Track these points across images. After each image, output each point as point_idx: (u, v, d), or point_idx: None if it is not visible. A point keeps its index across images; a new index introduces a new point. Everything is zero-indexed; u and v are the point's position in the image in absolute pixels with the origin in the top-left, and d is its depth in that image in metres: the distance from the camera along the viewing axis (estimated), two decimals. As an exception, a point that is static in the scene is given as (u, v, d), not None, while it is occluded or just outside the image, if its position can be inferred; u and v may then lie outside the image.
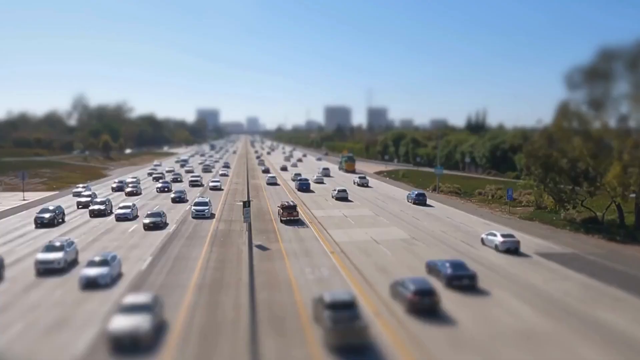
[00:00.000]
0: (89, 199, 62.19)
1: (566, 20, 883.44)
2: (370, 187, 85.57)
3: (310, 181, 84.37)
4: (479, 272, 32.75)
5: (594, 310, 25.65)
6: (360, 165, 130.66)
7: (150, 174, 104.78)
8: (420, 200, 64.92)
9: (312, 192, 78.27)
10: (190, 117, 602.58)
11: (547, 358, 20.27)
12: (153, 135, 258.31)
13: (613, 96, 45.60)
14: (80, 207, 60.02)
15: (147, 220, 46.63)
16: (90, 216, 53.51)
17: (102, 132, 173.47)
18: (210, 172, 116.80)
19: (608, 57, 45.21)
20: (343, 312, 21.26)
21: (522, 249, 39.09)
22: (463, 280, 28.86)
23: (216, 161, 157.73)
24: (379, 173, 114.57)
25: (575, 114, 48.16)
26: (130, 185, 77.40)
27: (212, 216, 53.27)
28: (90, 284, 28.38)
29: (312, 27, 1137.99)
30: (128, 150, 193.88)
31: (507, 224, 50.56)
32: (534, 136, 58.38)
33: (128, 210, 52.04)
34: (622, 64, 44.73)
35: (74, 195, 70.42)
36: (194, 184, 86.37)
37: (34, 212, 52.24)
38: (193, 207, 53.74)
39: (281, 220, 50.18)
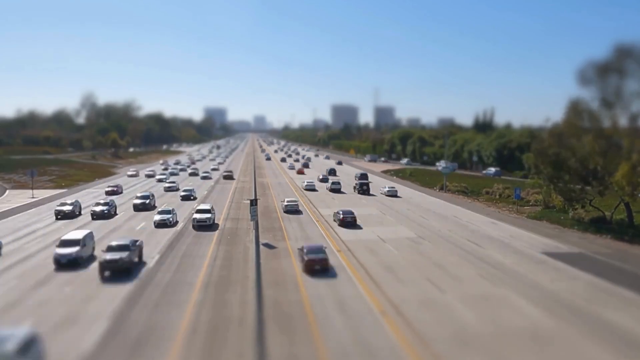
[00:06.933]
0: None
1: (574, 21, 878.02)
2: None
3: None
4: (485, 271, 32.76)
5: (601, 310, 25.49)
6: (365, 165, 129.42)
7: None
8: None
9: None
10: (198, 115, 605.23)
11: (553, 358, 20.21)
12: (160, 134, 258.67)
13: (625, 94, 45.19)
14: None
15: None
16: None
17: (110, 130, 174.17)
18: None
19: (622, 53, 44.62)
20: None
21: (530, 248, 39.02)
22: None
23: None
24: (385, 172, 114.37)
25: (585, 112, 47.74)
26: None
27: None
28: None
29: (319, 25, 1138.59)
30: (131, 149, 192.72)
31: (514, 223, 50.41)
32: (543, 134, 57.91)
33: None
34: (636, 61, 44.20)
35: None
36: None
37: (43, 209, 52.62)
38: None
39: None
